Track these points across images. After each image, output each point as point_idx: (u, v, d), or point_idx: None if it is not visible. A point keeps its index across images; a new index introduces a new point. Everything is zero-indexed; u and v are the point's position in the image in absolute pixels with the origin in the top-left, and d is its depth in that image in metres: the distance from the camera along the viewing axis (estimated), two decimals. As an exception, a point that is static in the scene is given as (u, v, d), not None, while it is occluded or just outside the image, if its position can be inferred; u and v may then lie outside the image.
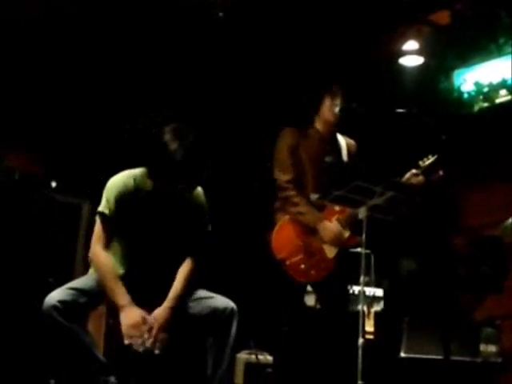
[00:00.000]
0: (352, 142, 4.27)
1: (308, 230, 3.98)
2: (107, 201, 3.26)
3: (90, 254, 3.27)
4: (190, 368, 3.57)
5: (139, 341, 3.07)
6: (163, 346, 3.13)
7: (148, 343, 3.08)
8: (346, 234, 4.00)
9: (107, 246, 3.26)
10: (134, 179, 3.30)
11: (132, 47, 5.60)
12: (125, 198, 3.26)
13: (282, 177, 4.03)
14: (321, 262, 3.96)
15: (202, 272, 3.40)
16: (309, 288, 4.21)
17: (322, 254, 3.98)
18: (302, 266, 3.93)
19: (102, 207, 3.27)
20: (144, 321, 3.11)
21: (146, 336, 3.08)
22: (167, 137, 3.08)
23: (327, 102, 4.09)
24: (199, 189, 3.41)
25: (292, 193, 4.00)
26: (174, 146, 3.05)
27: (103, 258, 3.23)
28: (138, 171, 3.34)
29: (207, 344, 3.22)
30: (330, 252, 3.98)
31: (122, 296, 3.15)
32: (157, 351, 3.10)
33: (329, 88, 4.10)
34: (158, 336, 3.12)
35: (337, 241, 3.98)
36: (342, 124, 4.14)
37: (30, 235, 4.45)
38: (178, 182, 3.16)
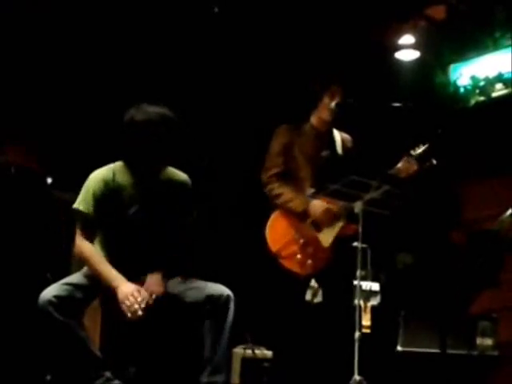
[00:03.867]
0: (347, 136, 4.28)
1: (300, 220, 3.98)
2: (84, 197, 3.31)
3: (75, 250, 3.31)
4: (186, 354, 3.58)
5: (134, 307, 3.11)
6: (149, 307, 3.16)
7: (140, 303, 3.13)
8: (340, 223, 3.99)
9: (91, 239, 3.32)
10: (113, 173, 3.35)
11: (129, 45, 5.59)
12: (104, 193, 3.30)
13: (264, 174, 4.05)
14: (317, 252, 3.96)
15: (196, 263, 3.42)
16: (312, 283, 4.20)
17: (317, 244, 3.97)
18: (298, 257, 3.93)
19: (77, 203, 3.32)
20: (139, 291, 3.17)
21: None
22: (133, 111, 3.27)
23: (326, 102, 4.11)
24: (184, 177, 3.45)
25: (274, 185, 4.01)
26: (138, 115, 3.24)
27: (88, 249, 3.28)
28: (117, 164, 3.38)
29: (204, 330, 3.25)
30: (326, 241, 3.98)
31: (115, 277, 3.20)
32: (140, 312, 3.11)
33: (328, 88, 4.11)
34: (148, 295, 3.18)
35: (327, 215, 3.96)
36: (338, 119, 4.15)
37: (26, 230, 4.44)
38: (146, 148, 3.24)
